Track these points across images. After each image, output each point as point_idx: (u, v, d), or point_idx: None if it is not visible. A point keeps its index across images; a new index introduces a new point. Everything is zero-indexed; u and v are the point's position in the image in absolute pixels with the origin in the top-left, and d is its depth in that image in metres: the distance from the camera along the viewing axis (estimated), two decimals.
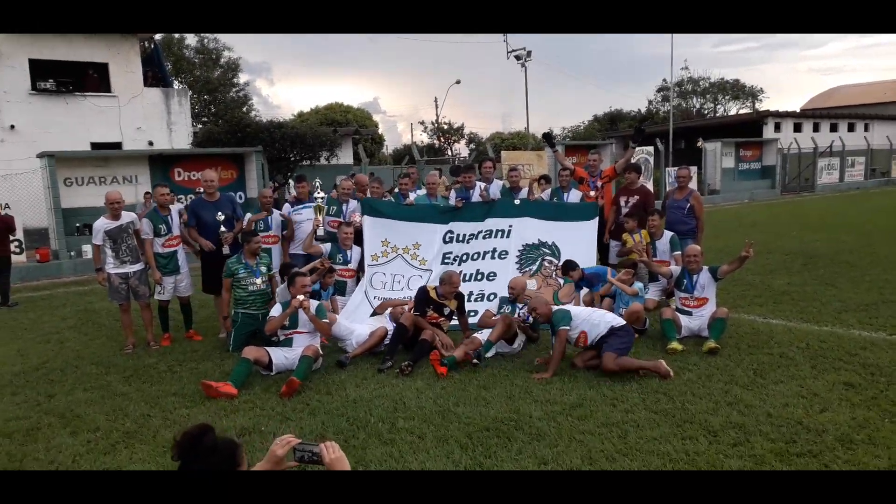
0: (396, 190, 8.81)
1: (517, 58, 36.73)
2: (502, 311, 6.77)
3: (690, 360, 5.96)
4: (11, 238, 11.24)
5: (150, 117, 21.39)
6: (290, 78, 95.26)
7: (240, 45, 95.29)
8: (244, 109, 34.46)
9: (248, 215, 7.82)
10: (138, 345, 7.35)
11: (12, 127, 18.95)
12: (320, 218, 7.91)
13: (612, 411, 4.85)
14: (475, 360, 5.85)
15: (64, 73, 20.23)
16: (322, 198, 7.97)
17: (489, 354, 6.26)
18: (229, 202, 7.77)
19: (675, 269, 7.19)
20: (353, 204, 8.41)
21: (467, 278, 7.94)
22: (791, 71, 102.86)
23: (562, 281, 8.06)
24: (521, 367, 6.03)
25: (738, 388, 5.21)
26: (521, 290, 6.84)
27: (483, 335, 6.29)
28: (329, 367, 6.22)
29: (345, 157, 25.59)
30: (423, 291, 6.86)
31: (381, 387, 5.59)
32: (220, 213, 7.41)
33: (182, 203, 14.05)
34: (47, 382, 6.18)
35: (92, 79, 20.35)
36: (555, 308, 6.15)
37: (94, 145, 19.33)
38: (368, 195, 8.59)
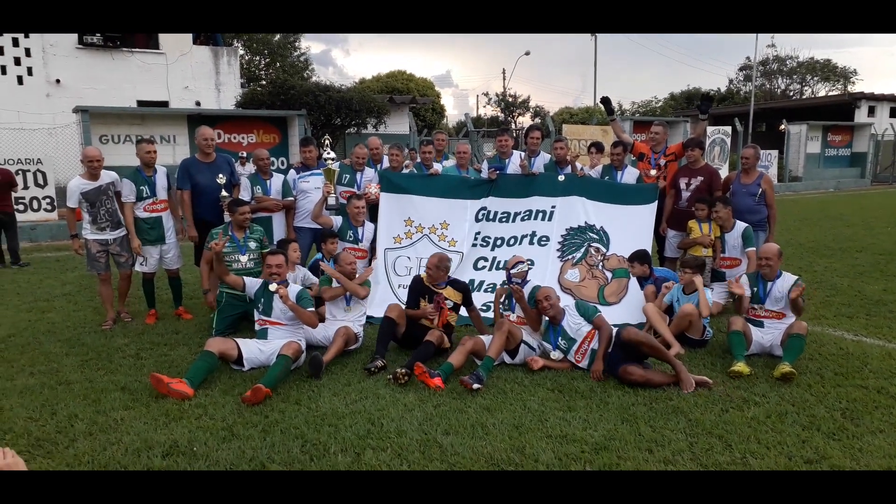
0: (418, 160, 7.64)
1: None
2: (505, 307, 5.66)
3: (758, 389, 4.68)
4: (14, 194, 10.64)
5: (198, 77, 20.78)
6: (364, 48, 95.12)
7: None
8: (304, 75, 33.73)
9: (244, 180, 6.84)
10: (119, 320, 6.58)
11: (58, 81, 18.59)
12: (331, 184, 6.87)
13: (646, 460, 3.66)
14: (474, 385, 4.58)
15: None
16: (333, 159, 6.92)
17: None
18: (227, 164, 6.82)
19: (745, 282, 5.64)
20: (370, 173, 7.34)
21: (501, 266, 6.75)
22: (887, 55, 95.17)
23: (609, 275, 6.81)
24: (542, 381, 4.87)
25: (821, 436, 3.95)
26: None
27: (488, 338, 5.15)
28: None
29: (400, 126, 24.54)
30: (416, 280, 5.87)
31: (363, 398, 4.54)
32: (220, 175, 6.45)
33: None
34: None
35: (140, 35, 19.82)
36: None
37: (140, 103, 18.86)
38: (386, 164, 7.50)
